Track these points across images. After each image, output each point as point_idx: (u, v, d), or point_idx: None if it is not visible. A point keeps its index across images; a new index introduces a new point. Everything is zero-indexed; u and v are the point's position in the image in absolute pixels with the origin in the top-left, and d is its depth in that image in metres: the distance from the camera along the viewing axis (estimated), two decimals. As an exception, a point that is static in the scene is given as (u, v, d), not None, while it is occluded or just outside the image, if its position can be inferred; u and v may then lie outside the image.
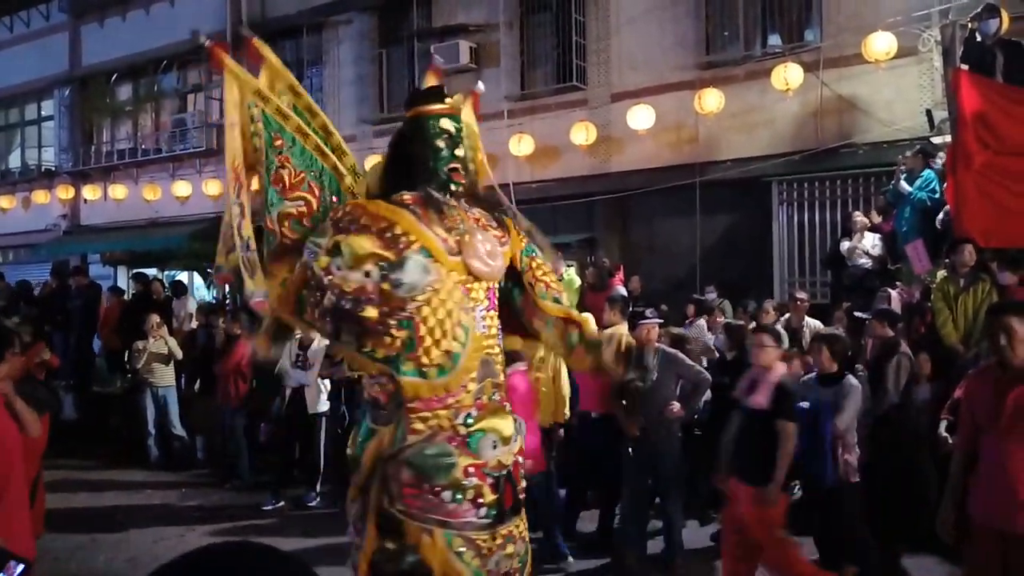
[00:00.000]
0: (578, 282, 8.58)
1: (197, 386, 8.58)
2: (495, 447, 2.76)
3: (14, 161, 19.20)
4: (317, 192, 2.99)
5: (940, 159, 7.31)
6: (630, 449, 5.36)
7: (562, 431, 5.85)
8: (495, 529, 2.73)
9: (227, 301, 11.57)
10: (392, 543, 2.71)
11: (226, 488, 7.68)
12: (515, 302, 3.05)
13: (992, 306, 4.49)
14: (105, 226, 16.45)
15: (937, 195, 7.17)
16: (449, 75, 12.51)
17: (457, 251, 2.77)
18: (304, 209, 2.96)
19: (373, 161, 3.25)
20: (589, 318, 3.09)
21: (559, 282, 3.18)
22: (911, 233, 7.20)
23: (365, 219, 2.72)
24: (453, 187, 2.87)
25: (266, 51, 3.28)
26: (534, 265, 3.04)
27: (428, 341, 2.66)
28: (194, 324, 9.89)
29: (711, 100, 9.81)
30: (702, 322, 7.58)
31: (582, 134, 10.75)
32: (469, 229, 2.82)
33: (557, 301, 3.02)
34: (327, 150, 3.09)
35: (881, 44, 8.60)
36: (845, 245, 7.88)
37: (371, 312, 2.61)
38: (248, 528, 6.39)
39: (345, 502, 2.92)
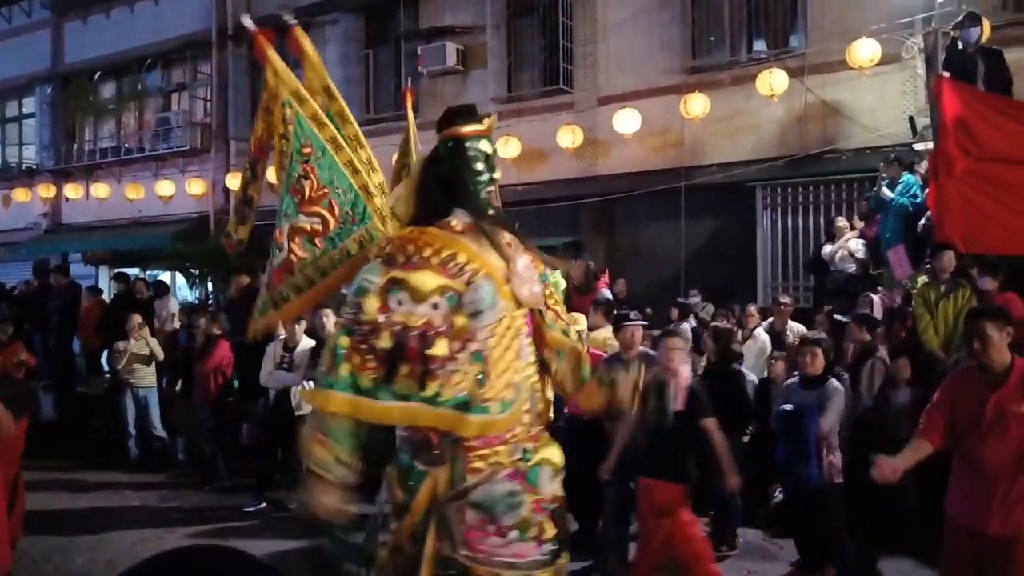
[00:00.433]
0: (564, 284, 8.59)
1: (178, 387, 8.51)
2: (552, 479, 2.68)
3: (-5, 159, 19.04)
4: (336, 212, 2.84)
5: (923, 165, 7.38)
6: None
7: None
8: (555, 564, 2.65)
9: (209, 301, 11.50)
10: None
11: (206, 490, 7.63)
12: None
13: (969, 311, 4.56)
14: (87, 225, 16.31)
15: (919, 200, 7.24)
16: (435, 78, 12.54)
17: (508, 279, 2.63)
18: (319, 227, 2.82)
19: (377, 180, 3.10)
20: (580, 317, 3.02)
21: (568, 313, 3.08)
22: (894, 239, 7.26)
23: (425, 251, 2.55)
24: (491, 211, 2.77)
25: (307, 43, 3.11)
26: (546, 293, 2.90)
27: (494, 375, 2.51)
28: (176, 324, 9.82)
29: (697, 105, 9.85)
30: (685, 325, 7.61)
31: (568, 137, 10.77)
32: (511, 255, 2.69)
33: (565, 333, 2.89)
34: (359, 165, 2.93)
35: (865, 51, 8.67)
36: (827, 249, 7.95)
37: (441, 348, 2.43)
38: (227, 530, 6.34)
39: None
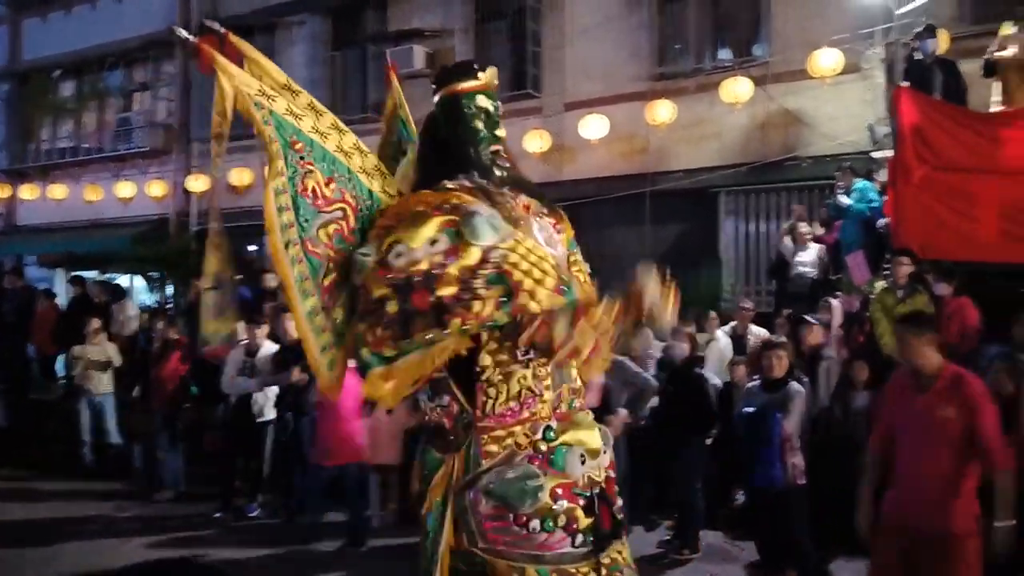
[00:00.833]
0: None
1: (136, 392, 8.34)
2: (583, 462, 2.41)
3: (-52, 158, 18.51)
4: (352, 198, 2.59)
5: (881, 173, 7.52)
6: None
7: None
8: (596, 557, 2.39)
9: (169, 305, 11.30)
10: None
11: (155, 498, 7.46)
12: None
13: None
14: (43, 227, 15.91)
15: (875, 204, 7.38)
16: (404, 80, 12.41)
17: None
18: (343, 221, 2.54)
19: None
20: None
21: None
22: (854, 244, 7.39)
23: (417, 207, 2.37)
24: (498, 172, 2.56)
25: (247, 47, 2.80)
26: (571, 260, 2.72)
27: (529, 283, 2.22)
28: (134, 328, 9.63)
29: (662, 111, 9.93)
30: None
31: (536, 142, 10.78)
32: (520, 217, 2.50)
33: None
34: (348, 149, 2.70)
35: (826, 61, 8.82)
36: (787, 243, 8.01)
37: (449, 286, 2.19)
38: (186, 540, 6.21)
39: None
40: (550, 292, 2.25)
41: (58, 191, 15.39)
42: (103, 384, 8.38)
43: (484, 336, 2.38)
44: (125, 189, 14.61)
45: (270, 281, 8.54)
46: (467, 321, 2.21)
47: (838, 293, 7.29)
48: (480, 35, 12.05)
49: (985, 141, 6.49)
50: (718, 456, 6.06)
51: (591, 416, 2.59)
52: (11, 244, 16.09)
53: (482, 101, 2.60)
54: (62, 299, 11.82)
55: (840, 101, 9.20)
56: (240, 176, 12.36)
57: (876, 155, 8.01)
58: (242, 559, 5.60)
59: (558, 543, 2.33)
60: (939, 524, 3.28)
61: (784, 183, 9.72)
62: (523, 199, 2.60)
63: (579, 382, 2.58)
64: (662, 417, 5.94)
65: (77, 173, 15.67)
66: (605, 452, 2.52)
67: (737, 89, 9.39)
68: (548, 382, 2.43)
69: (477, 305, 2.21)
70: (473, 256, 2.24)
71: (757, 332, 7.08)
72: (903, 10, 7.96)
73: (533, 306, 2.23)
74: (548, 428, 2.41)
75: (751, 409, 5.16)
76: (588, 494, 2.41)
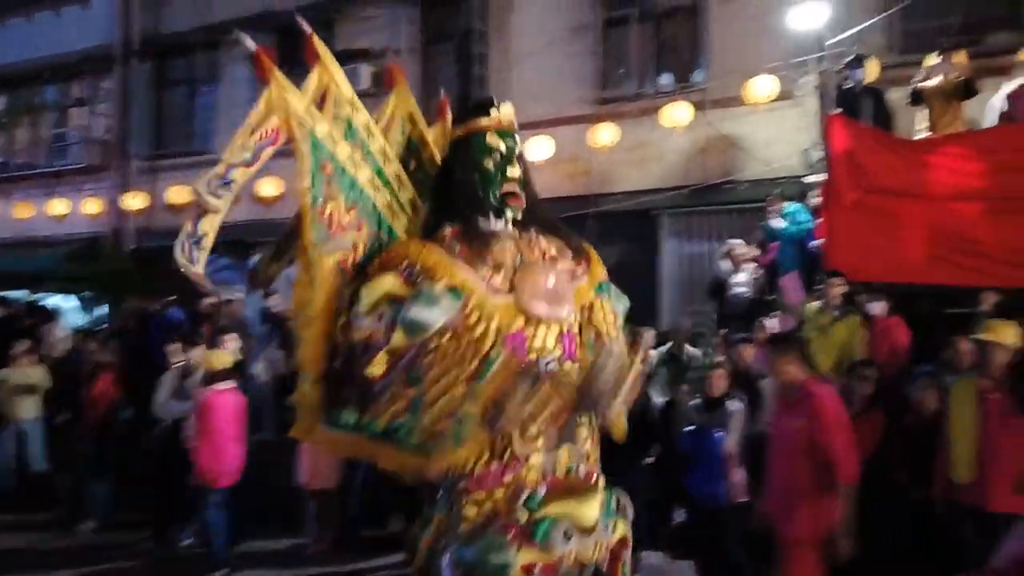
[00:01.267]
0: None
1: (64, 417, 8.01)
2: (568, 538, 2.21)
3: None
4: (365, 232, 2.53)
5: (814, 197, 7.73)
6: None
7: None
8: None
9: (104, 326, 10.94)
10: None
11: (86, 528, 7.17)
12: None
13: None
14: (-30, 245, 15.32)
15: (803, 226, 7.60)
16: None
17: (508, 290, 2.34)
18: (349, 254, 2.47)
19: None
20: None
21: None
22: (790, 266, 7.58)
23: (389, 259, 2.34)
24: (510, 213, 2.46)
25: (325, 52, 2.76)
26: (596, 306, 2.62)
27: (432, 404, 2.18)
28: (65, 350, 9.29)
29: (605, 134, 10.10)
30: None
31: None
32: (529, 263, 2.40)
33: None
34: (380, 183, 2.64)
35: (762, 88, 9.08)
36: (724, 265, 8.16)
37: (377, 367, 2.16)
38: (117, 571, 5.98)
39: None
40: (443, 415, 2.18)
41: (-13, 208, 14.86)
42: (29, 409, 8.04)
43: None
44: (59, 206, 14.15)
45: (207, 303, 8.34)
46: (379, 418, 2.19)
47: (774, 313, 7.44)
48: (426, 56, 12.08)
49: (912, 167, 6.73)
50: (659, 475, 6.09)
51: (600, 482, 2.40)
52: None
53: (493, 140, 2.53)
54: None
55: (775, 127, 9.46)
56: (179, 194, 12.11)
57: (810, 179, 8.24)
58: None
59: None
60: (786, 530, 3.54)
61: (723, 205, 9.92)
62: (542, 243, 2.50)
63: (587, 445, 2.40)
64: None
65: (8, 190, 15.14)
66: (606, 528, 2.33)
67: (677, 114, 9.59)
68: (538, 444, 2.29)
69: (389, 403, 2.19)
70: (401, 343, 2.20)
71: (692, 352, 7.18)
72: (834, 40, 8.24)
73: (427, 423, 2.18)
74: (531, 496, 2.23)
75: (693, 428, 5.24)
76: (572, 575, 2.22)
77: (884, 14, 8.61)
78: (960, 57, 7.57)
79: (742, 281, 8.00)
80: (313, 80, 2.69)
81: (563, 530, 2.21)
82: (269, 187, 11.66)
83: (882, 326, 6.13)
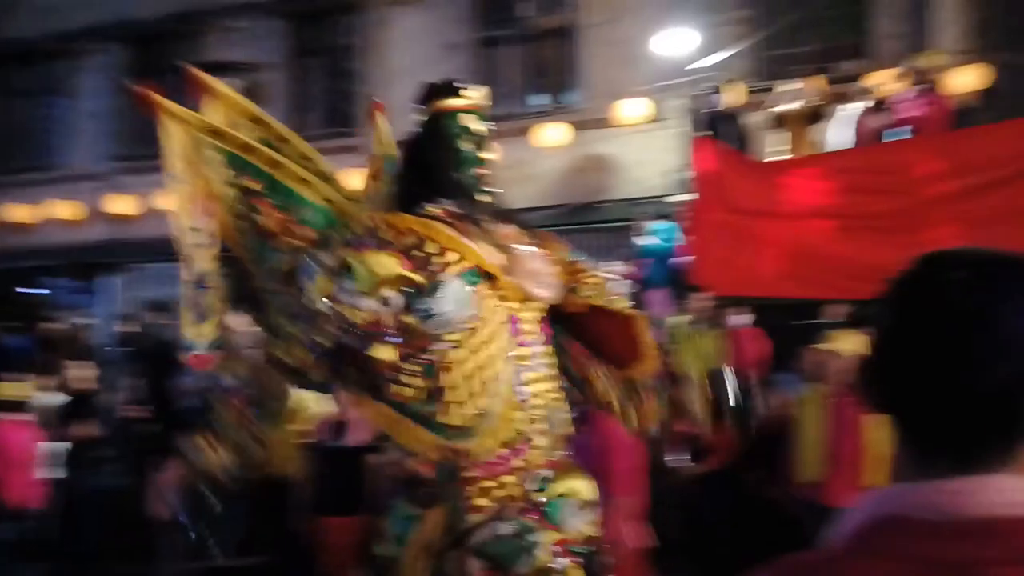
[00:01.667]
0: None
1: None
2: (579, 515, 2.22)
3: None
4: (312, 235, 2.48)
5: (680, 215, 8.02)
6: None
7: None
8: None
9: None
10: None
11: None
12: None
13: None
14: None
15: (671, 244, 7.87)
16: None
17: (509, 271, 2.24)
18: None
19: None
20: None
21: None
22: (659, 281, 7.82)
23: (387, 232, 2.18)
24: (484, 197, 2.34)
25: (214, 82, 2.67)
26: (575, 268, 2.51)
27: (451, 397, 2.09)
28: None
29: (482, 153, 10.11)
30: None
31: (355, 181, 10.60)
32: (514, 245, 2.32)
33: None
34: (311, 177, 2.57)
35: (631, 110, 9.38)
36: None
37: (385, 352, 2.04)
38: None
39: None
40: (470, 415, 2.10)
41: None
42: None
43: None
44: None
45: (44, 327, 7.74)
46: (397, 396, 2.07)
47: (645, 327, 7.63)
48: (297, 71, 11.80)
49: (769, 187, 7.09)
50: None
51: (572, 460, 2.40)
52: None
53: (468, 121, 2.39)
54: None
55: (646, 148, 9.77)
56: (21, 212, 11.25)
57: (677, 199, 8.55)
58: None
59: None
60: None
61: (597, 224, 10.15)
62: (503, 228, 2.40)
63: (568, 426, 2.38)
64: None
65: None
66: (595, 507, 2.33)
67: (551, 134, 9.76)
68: (544, 425, 2.22)
69: (395, 390, 2.07)
70: (417, 336, 2.07)
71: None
72: (701, 64, 8.63)
73: (443, 419, 2.08)
74: (543, 478, 2.19)
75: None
76: (584, 551, 2.21)
77: (748, 42, 9.11)
78: (817, 83, 8.08)
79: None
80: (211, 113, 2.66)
81: (574, 506, 2.21)
82: (121, 205, 11.01)
83: (743, 337, 6.39)
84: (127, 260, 11.35)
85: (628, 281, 7.52)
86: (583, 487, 2.29)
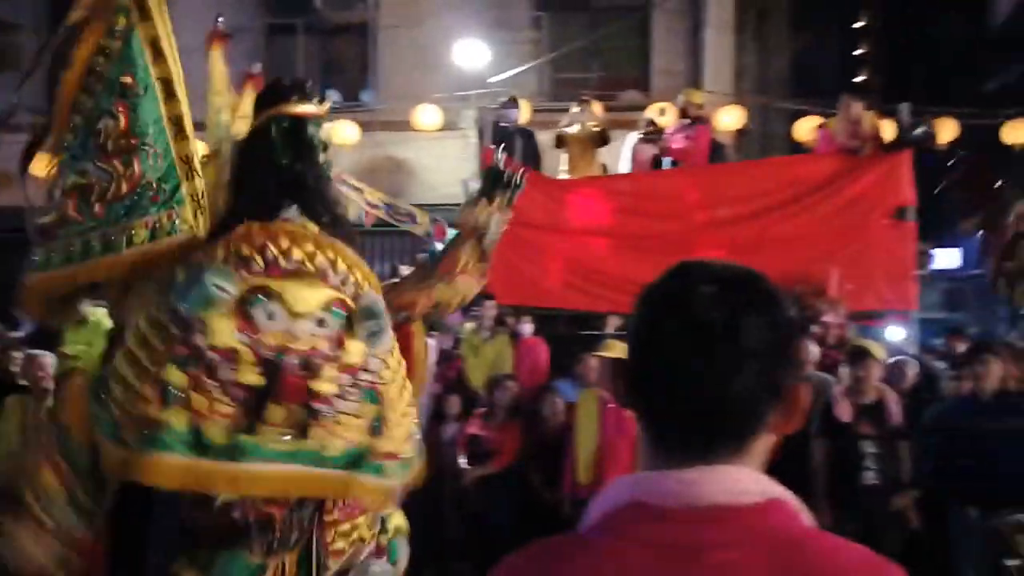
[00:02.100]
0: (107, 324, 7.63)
1: None
2: (405, 551, 2.21)
3: None
4: (136, 176, 2.08)
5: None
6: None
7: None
8: None
9: None
10: None
11: None
12: None
13: None
14: None
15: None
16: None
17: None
18: (107, 187, 2.05)
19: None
20: None
21: None
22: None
23: (294, 252, 1.94)
24: (341, 211, 2.24)
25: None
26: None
27: (392, 422, 1.96)
28: None
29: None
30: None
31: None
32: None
33: None
34: (188, 132, 2.19)
35: (427, 116, 9.45)
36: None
37: (328, 382, 1.84)
38: None
39: None
40: (405, 438, 2.01)
41: None
42: None
43: None
44: None
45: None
46: (330, 439, 1.83)
47: (434, 333, 7.73)
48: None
49: (553, 203, 7.48)
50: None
51: None
52: None
53: (323, 131, 2.23)
54: None
55: (440, 154, 9.90)
56: None
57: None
58: None
59: None
60: None
61: (393, 227, 10.10)
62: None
63: None
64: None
65: None
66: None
67: (344, 132, 9.58)
68: None
69: (344, 423, 1.87)
70: (355, 356, 1.93)
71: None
72: (494, 79, 8.90)
73: (390, 448, 1.94)
74: (384, 519, 2.16)
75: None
76: None
77: (537, 61, 9.52)
78: (596, 108, 8.63)
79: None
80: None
81: (404, 544, 2.22)
82: None
83: (526, 345, 6.69)
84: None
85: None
86: (403, 521, 2.30)
